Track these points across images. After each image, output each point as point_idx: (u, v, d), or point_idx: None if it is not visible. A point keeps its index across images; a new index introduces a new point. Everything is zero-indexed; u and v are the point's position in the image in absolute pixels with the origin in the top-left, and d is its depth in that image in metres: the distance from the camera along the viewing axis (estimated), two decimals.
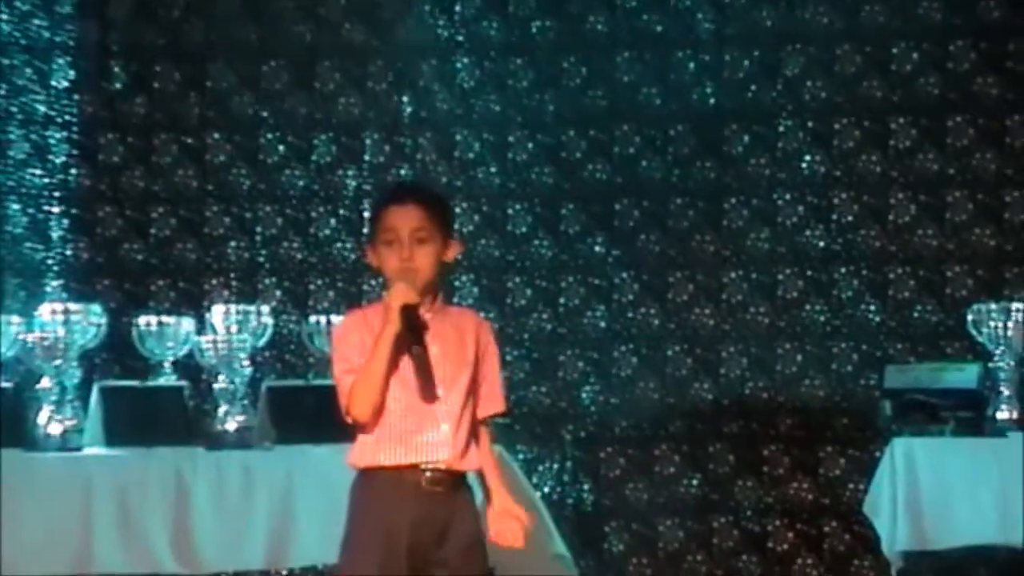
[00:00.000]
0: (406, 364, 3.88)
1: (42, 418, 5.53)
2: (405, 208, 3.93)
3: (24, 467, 5.38)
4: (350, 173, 6.93)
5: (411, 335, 3.84)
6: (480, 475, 4.00)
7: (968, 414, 5.55)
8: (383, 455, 3.89)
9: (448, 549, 3.89)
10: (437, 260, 3.93)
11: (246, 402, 5.63)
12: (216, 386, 5.67)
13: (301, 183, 6.95)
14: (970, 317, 5.70)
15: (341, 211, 6.90)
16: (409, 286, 3.87)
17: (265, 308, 6.05)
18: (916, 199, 6.69)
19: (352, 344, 3.91)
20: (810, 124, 6.75)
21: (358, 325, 3.95)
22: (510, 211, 6.87)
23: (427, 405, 3.88)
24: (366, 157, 6.93)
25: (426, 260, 3.91)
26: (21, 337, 5.66)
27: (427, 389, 3.87)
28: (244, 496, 5.34)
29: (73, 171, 6.97)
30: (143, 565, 5.30)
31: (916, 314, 6.65)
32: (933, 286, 6.65)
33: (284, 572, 6.53)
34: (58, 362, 5.60)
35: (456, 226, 6.64)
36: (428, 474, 3.88)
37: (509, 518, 3.96)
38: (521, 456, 6.54)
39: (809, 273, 6.73)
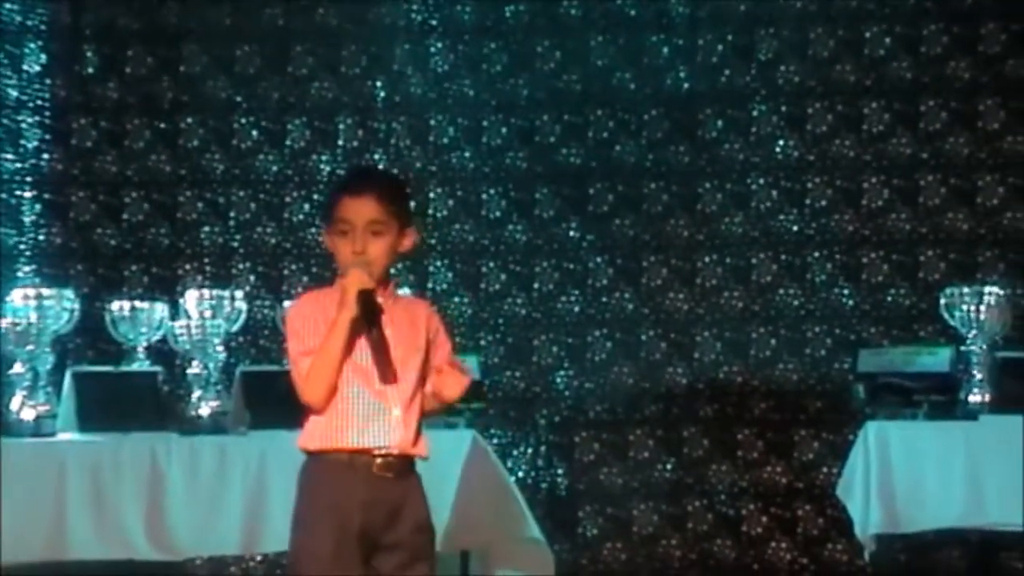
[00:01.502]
0: (360, 348, 3.88)
1: (15, 404, 5.50)
2: (360, 200, 3.91)
3: None
4: (324, 157, 6.91)
5: (369, 319, 3.84)
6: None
7: (941, 397, 5.56)
8: (335, 439, 3.88)
9: (399, 531, 3.90)
10: (391, 251, 3.93)
11: (220, 387, 5.62)
12: (190, 371, 5.65)
13: (275, 167, 6.93)
14: (943, 300, 5.71)
15: (315, 196, 6.88)
16: (364, 272, 3.87)
17: (239, 293, 6.03)
18: (889, 183, 6.71)
19: (307, 325, 3.90)
20: (784, 108, 6.76)
21: (312, 306, 3.94)
22: (484, 195, 6.86)
23: (380, 390, 3.88)
24: (340, 141, 6.91)
25: (379, 251, 3.90)
26: None
27: (385, 371, 3.87)
28: (218, 481, 5.33)
29: (45, 155, 6.94)
30: (117, 550, 5.28)
31: (889, 297, 6.67)
32: (906, 269, 6.67)
33: (259, 557, 6.55)
34: (31, 347, 5.58)
35: (430, 210, 6.80)
36: (379, 460, 3.89)
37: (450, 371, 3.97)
38: (496, 440, 6.54)
39: (783, 257, 6.75)
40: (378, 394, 3.89)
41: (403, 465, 3.92)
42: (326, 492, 3.88)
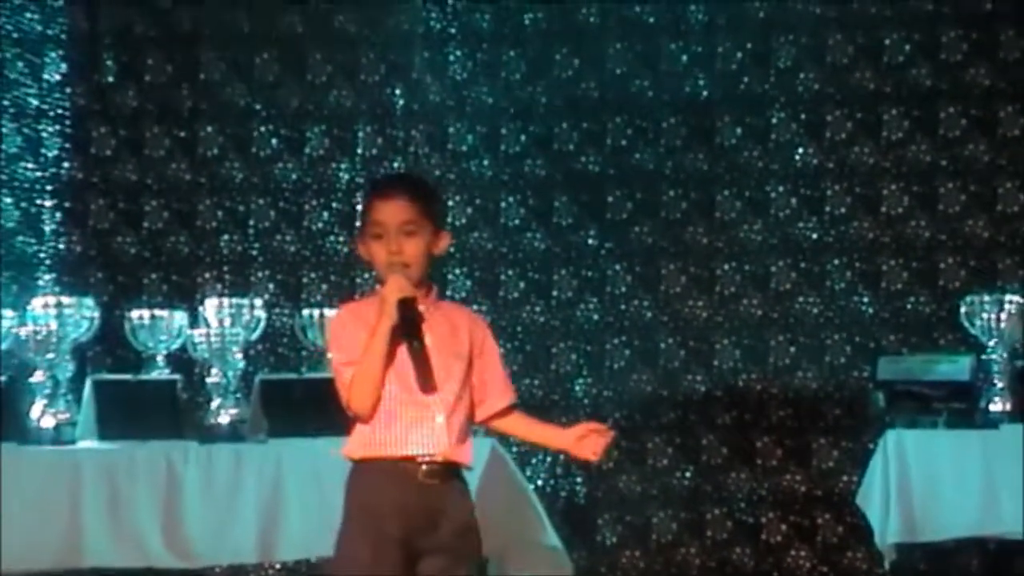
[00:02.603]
0: (402, 356, 3.89)
1: (35, 411, 5.52)
2: (393, 201, 3.93)
3: (16, 460, 5.37)
4: (343, 166, 6.92)
5: (409, 329, 3.84)
6: (536, 440, 4.12)
7: (961, 405, 5.54)
8: (379, 447, 3.90)
9: (442, 534, 3.91)
10: (427, 252, 3.94)
11: (239, 395, 5.63)
12: (209, 379, 5.67)
13: (294, 175, 6.94)
14: (963, 308, 5.70)
15: (334, 204, 6.89)
16: (404, 279, 3.87)
17: (258, 301, 6.04)
18: (908, 189, 6.69)
19: (349, 336, 3.92)
20: (802, 115, 6.74)
21: (353, 316, 3.96)
22: (502, 203, 6.86)
23: (424, 397, 3.89)
24: (359, 149, 6.92)
25: (414, 251, 3.91)
26: (14, 331, 5.66)
27: (426, 382, 3.88)
28: (234, 489, 5.33)
29: (65, 164, 6.96)
30: (134, 558, 5.30)
31: (909, 305, 6.65)
32: (926, 277, 6.65)
33: (277, 566, 6.55)
34: (51, 355, 5.60)
35: (449, 218, 6.80)
36: (424, 467, 3.90)
37: (589, 432, 3.98)
38: (514, 449, 6.53)
39: (802, 264, 6.73)
40: (421, 402, 3.90)
41: (448, 471, 3.93)
42: (368, 500, 3.89)
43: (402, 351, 3.88)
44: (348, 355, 3.90)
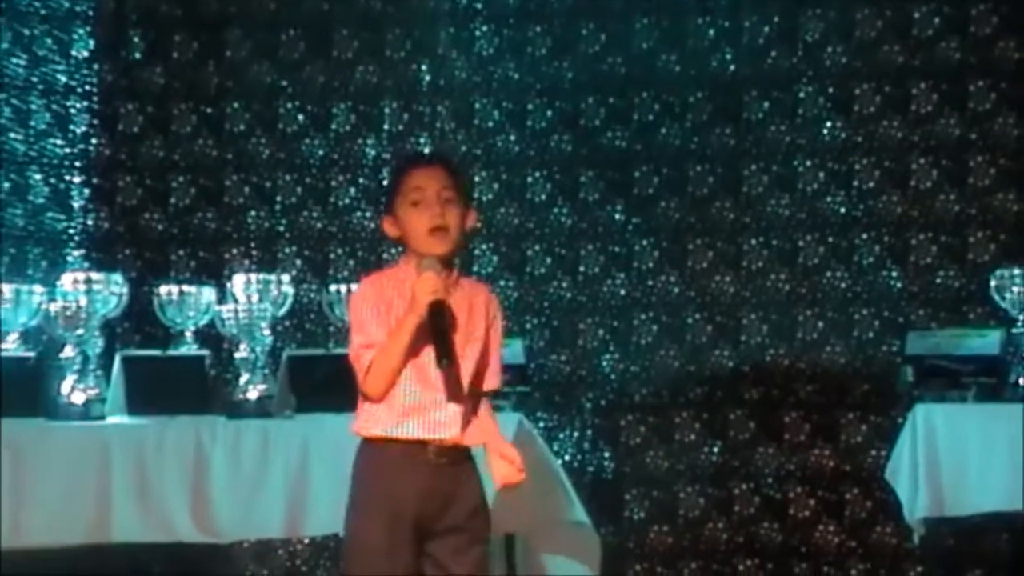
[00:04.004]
0: (419, 341, 3.86)
1: (65, 387, 5.55)
2: (431, 168, 3.94)
3: (45, 436, 5.40)
4: (369, 142, 6.92)
5: (439, 341, 3.80)
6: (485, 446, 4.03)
7: (990, 380, 5.52)
8: (391, 428, 3.90)
9: (453, 516, 3.92)
10: (462, 224, 3.92)
11: (267, 371, 5.64)
12: (237, 355, 5.68)
13: (320, 152, 6.95)
14: (992, 282, 5.67)
15: (361, 180, 6.90)
16: (437, 276, 3.83)
17: (285, 277, 6.04)
18: (937, 164, 6.65)
19: (371, 313, 3.91)
20: (830, 89, 6.71)
21: (375, 291, 3.94)
22: (529, 179, 6.86)
23: (435, 382, 3.88)
24: (385, 125, 6.92)
25: (455, 219, 3.90)
26: (44, 307, 5.68)
27: (455, 391, 3.87)
28: (261, 464, 5.34)
29: (93, 141, 6.99)
30: (162, 533, 5.31)
31: (938, 279, 6.62)
32: (955, 251, 6.62)
33: (306, 540, 6.58)
34: (80, 331, 5.62)
35: (475, 194, 6.79)
36: (434, 448, 3.90)
37: (504, 459, 3.97)
38: (541, 424, 6.55)
39: (830, 239, 6.71)
40: (434, 384, 3.89)
41: (459, 452, 3.94)
42: (381, 480, 3.90)
43: (421, 340, 3.85)
44: (368, 336, 3.88)
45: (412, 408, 3.88)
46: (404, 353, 3.84)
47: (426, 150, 6.70)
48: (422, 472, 3.88)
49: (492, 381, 4.04)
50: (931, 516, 5.42)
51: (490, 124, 6.87)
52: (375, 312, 3.88)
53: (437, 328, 3.80)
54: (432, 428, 3.89)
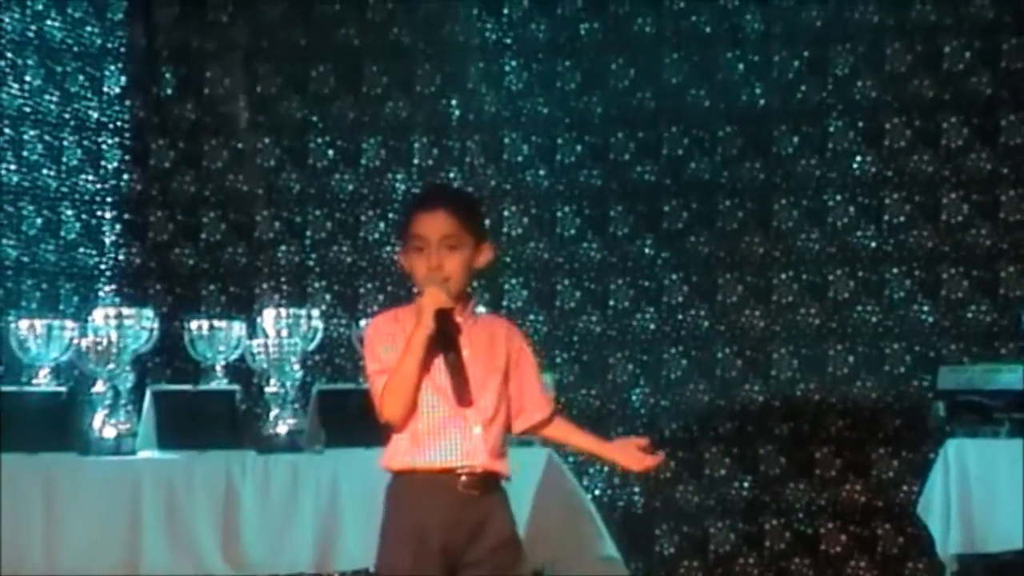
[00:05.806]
0: (438, 367, 3.87)
1: (96, 422, 5.56)
2: (434, 215, 3.91)
3: (76, 470, 5.42)
4: (399, 176, 6.95)
5: (445, 341, 3.83)
6: (579, 446, 4.08)
7: (1022, 415, 5.49)
8: (418, 458, 3.89)
9: (481, 548, 3.89)
10: (467, 266, 3.91)
11: (296, 406, 5.64)
12: (267, 390, 5.68)
13: (350, 186, 6.97)
14: None
15: (390, 214, 6.91)
16: (441, 290, 3.87)
17: (315, 311, 6.05)
18: (968, 198, 6.63)
19: (383, 343, 3.91)
20: (860, 123, 6.70)
21: (389, 324, 3.95)
22: (558, 213, 6.86)
23: (461, 409, 3.88)
24: (415, 160, 6.94)
25: (455, 266, 3.89)
26: (75, 342, 5.70)
27: (462, 395, 3.86)
28: (292, 499, 5.35)
29: (125, 176, 7.03)
30: (192, 567, 5.32)
31: (969, 314, 6.60)
32: (986, 285, 6.60)
33: (336, 575, 6.57)
34: (111, 366, 5.63)
35: (504, 228, 6.81)
36: (464, 478, 3.88)
37: (632, 445, 3.99)
38: (571, 459, 6.53)
39: (860, 273, 6.69)
40: (458, 413, 3.89)
41: (488, 482, 3.92)
42: (407, 511, 3.88)
43: (439, 362, 3.86)
44: (381, 364, 3.89)
45: (433, 432, 3.88)
46: (417, 370, 3.83)
47: (443, 183, 6.67)
48: (448, 501, 3.87)
49: (544, 408, 4.03)
50: (963, 552, 5.38)
51: (519, 158, 6.89)
52: (390, 339, 3.89)
53: (442, 331, 3.81)
54: (458, 455, 3.89)
